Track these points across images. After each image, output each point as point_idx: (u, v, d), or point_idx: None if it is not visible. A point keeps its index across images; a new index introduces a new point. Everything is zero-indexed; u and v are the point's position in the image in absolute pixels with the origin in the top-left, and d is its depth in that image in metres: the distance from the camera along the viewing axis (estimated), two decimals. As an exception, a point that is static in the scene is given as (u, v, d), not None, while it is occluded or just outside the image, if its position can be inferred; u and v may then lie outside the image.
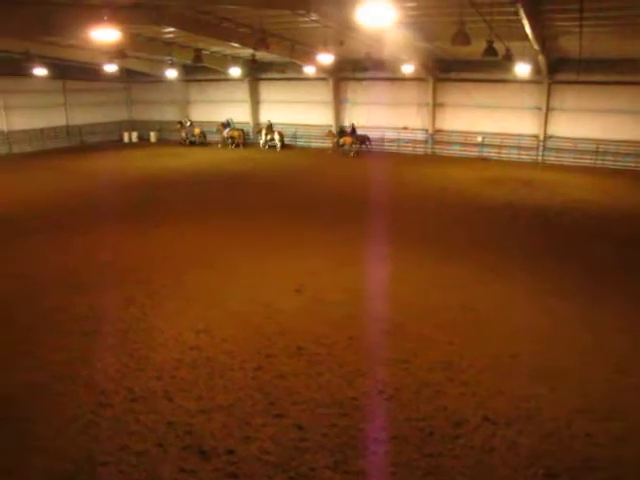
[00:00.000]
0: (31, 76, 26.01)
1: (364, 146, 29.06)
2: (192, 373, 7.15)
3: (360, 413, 6.28)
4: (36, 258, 12.02)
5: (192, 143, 33.30)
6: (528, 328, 8.56)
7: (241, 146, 32.00)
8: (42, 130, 31.73)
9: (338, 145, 29.37)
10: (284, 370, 7.22)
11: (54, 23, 15.99)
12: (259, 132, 31.94)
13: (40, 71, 25.23)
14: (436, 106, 28.77)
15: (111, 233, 13.72)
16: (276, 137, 31.05)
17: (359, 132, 29.25)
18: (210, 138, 33.50)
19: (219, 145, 32.40)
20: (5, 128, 29.83)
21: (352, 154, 28.58)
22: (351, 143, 28.86)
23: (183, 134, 33.63)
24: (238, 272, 11.03)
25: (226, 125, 32.53)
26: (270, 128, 31.49)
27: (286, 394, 6.66)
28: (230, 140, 32.12)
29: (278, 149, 30.88)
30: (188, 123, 33.66)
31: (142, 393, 6.67)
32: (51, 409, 6.33)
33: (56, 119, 32.53)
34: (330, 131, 29.97)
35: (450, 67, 27.39)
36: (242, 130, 32.25)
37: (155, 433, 5.91)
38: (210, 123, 33.41)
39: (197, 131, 33.22)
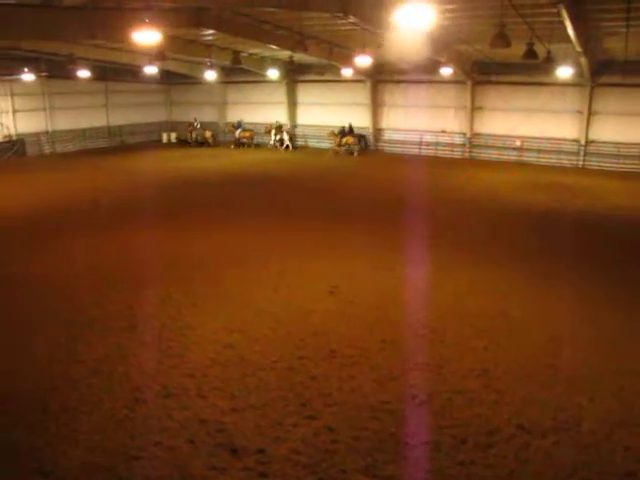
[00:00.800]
0: (75, 78, 26.71)
1: (360, 145, 30.16)
2: (225, 372, 7.21)
3: (392, 417, 6.23)
4: (74, 255, 12.31)
5: (201, 144, 33.88)
6: (566, 336, 8.34)
7: (250, 146, 32.72)
8: (84, 130, 32.64)
9: (340, 145, 29.78)
10: (316, 372, 7.22)
11: (99, 26, 16.43)
12: (268, 132, 32.49)
13: (83, 73, 25.87)
14: (474, 109, 28.37)
15: (147, 232, 14.00)
16: (285, 137, 31.65)
17: (360, 132, 30.45)
18: (226, 139, 34.58)
19: (251, 147, 32.88)
20: (50, 128, 30.80)
21: (340, 153, 29.50)
22: (353, 143, 29.60)
23: (194, 135, 34.37)
24: (271, 272, 11.08)
25: (238, 126, 33.23)
26: (280, 129, 32.06)
27: (318, 396, 6.65)
28: (241, 140, 32.87)
29: (290, 149, 31.51)
30: (198, 125, 34.41)
31: (175, 390, 6.76)
32: (89, 403, 6.47)
33: (98, 120, 33.47)
34: (332, 131, 30.34)
35: (489, 70, 26.99)
36: (252, 131, 33.01)
37: (187, 430, 5.98)
38: (248, 124, 33.77)
39: (208, 133, 33.88)
